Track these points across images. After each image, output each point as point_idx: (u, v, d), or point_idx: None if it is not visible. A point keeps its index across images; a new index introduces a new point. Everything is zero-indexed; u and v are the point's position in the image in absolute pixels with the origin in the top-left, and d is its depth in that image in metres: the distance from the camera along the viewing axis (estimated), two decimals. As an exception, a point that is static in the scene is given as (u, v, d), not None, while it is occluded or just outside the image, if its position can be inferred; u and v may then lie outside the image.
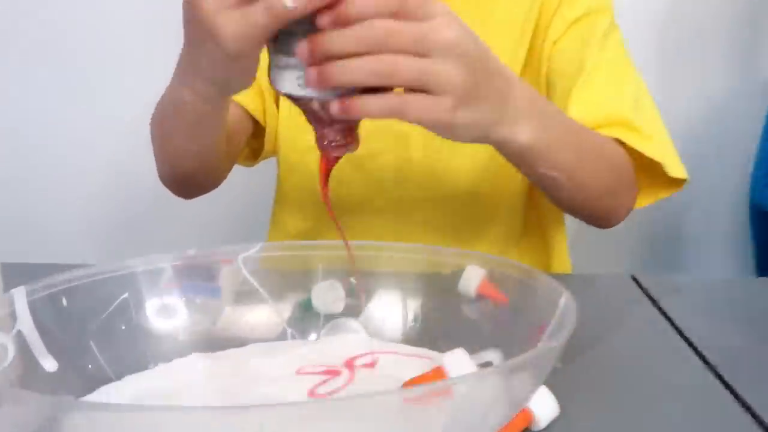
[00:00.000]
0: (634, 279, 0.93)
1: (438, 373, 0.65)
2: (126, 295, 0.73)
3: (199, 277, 0.83)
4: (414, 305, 0.78)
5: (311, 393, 0.65)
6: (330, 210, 0.62)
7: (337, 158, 0.58)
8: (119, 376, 0.68)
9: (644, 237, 1.77)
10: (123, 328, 0.72)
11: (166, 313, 0.77)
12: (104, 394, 0.65)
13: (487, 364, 0.69)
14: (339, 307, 0.81)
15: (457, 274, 0.77)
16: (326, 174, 0.62)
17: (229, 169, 1.01)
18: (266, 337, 0.78)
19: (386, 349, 0.74)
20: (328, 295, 0.82)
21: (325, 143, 0.56)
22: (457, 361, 0.66)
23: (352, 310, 0.79)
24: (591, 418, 0.64)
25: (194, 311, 0.79)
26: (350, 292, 0.80)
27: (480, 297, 0.77)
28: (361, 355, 0.72)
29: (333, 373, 0.69)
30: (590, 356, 0.75)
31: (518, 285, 0.72)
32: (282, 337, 0.78)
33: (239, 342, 0.77)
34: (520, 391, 0.54)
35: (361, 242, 0.81)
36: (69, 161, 1.75)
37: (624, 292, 0.90)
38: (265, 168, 1.16)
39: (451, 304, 0.76)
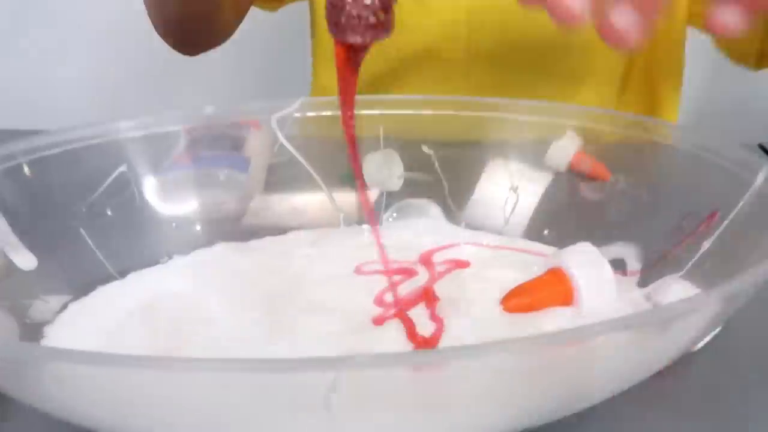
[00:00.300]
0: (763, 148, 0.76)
1: (557, 277, 0.47)
2: (124, 168, 0.54)
3: (220, 145, 0.64)
4: (509, 181, 0.58)
5: (379, 301, 0.47)
6: (351, 141, 0.44)
7: (363, 47, 0.38)
8: (123, 273, 0.51)
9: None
10: (123, 211, 0.53)
11: (180, 192, 0.59)
12: (101, 297, 0.48)
13: (618, 263, 0.50)
14: (395, 184, 0.61)
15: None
16: (348, 75, 0.40)
17: (242, 15, 0.78)
18: (311, 224, 0.59)
19: (475, 240, 0.55)
20: (381, 170, 0.62)
21: (346, 20, 0.35)
22: (583, 261, 0.47)
23: (425, 189, 0.59)
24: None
25: (216, 189, 0.61)
26: (417, 166, 0.60)
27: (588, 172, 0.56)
28: (443, 248, 0.54)
29: (405, 272, 0.51)
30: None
31: (659, 154, 0.52)
32: (332, 223, 0.59)
33: (276, 229, 0.58)
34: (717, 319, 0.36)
35: (431, 97, 0.62)
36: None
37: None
38: (294, 11, 0.93)
39: (560, 182, 0.56)
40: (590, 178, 0.58)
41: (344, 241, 0.56)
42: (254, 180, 0.64)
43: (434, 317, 0.44)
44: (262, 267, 0.51)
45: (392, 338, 0.42)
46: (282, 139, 0.59)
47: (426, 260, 0.53)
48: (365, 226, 0.58)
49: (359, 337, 0.42)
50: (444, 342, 0.42)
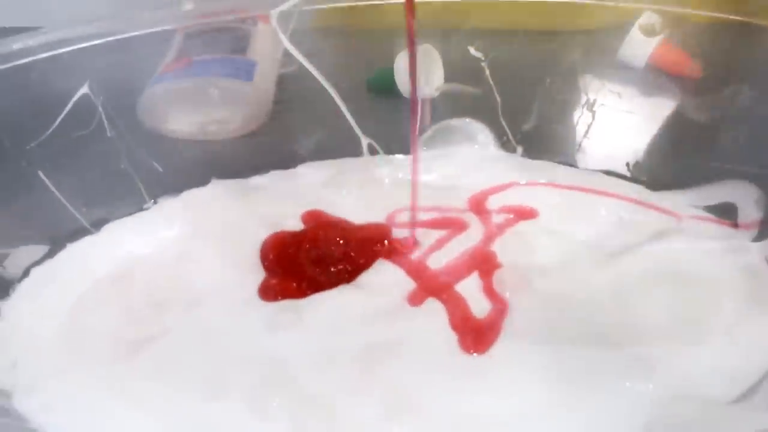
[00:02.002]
0: None
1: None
2: (85, 89, 0.42)
3: (218, 47, 0.52)
4: (582, 93, 0.44)
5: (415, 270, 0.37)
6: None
7: None
8: (97, 225, 0.41)
9: None
10: (90, 146, 0.42)
11: (165, 113, 0.47)
12: (68, 259, 0.39)
13: (727, 210, 0.38)
14: (432, 91, 0.48)
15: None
16: None
17: None
18: (327, 153, 0.48)
19: (541, 178, 0.42)
20: (420, 69, 0.49)
21: None
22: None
23: (470, 106, 0.46)
24: None
25: (213, 106, 0.49)
26: (462, 74, 0.47)
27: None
28: (498, 189, 0.42)
29: (452, 224, 0.39)
30: None
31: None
32: (353, 151, 0.47)
33: (285, 159, 0.47)
34: None
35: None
36: None
37: None
38: None
39: (648, 91, 0.43)
40: (674, 74, 0.44)
41: (367, 178, 0.44)
42: (261, 91, 0.52)
43: (491, 294, 0.34)
44: (264, 218, 0.40)
45: (432, 324, 0.32)
46: (285, 42, 0.46)
47: (478, 207, 0.41)
48: (398, 156, 0.46)
49: (389, 321, 0.32)
50: (505, 332, 0.31)
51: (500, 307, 0.33)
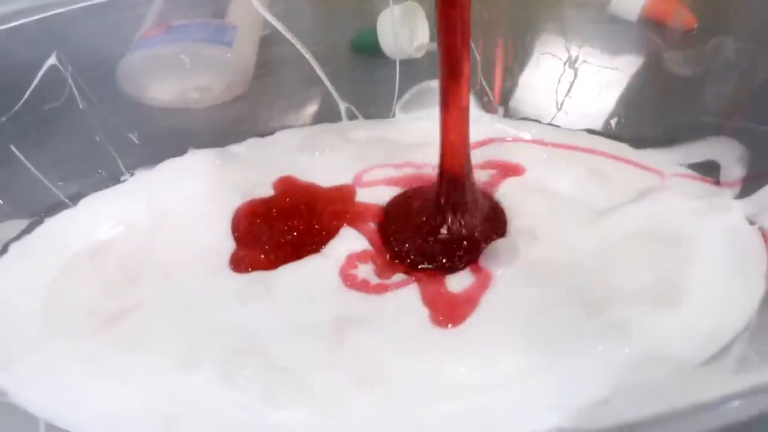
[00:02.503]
0: None
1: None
2: (53, 60, 0.41)
3: (197, 11, 0.50)
4: (564, 50, 0.43)
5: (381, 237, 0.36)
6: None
7: None
8: (74, 199, 0.41)
9: None
10: (63, 118, 0.42)
11: (140, 82, 0.47)
12: (45, 234, 0.39)
13: (709, 168, 0.37)
14: (418, 51, 0.47)
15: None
16: None
17: None
18: (307, 118, 0.47)
19: (522, 134, 0.41)
20: (402, 30, 0.47)
21: None
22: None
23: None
24: None
25: (191, 73, 0.48)
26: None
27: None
28: (479, 144, 0.41)
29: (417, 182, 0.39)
30: None
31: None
32: (331, 116, 0.46)
33: (265, 125, 0.46)
34: None
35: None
36: None
37: None
38: None
39: (632, 45, 0.41)
40: (668, 24, 0.42)
41: (341, 140, 0.43)
42: (242, 56, 0.51)
43: (474, 265, 0.33)
44: (237, 186, 0.39)
45: (403, 298, 0.32)
46: (258, 5, 0.45)
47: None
48: (371, 121, 0.45)
49: (359, 293, 0.32)
50: (485, 303, 0.31)
51: (483, 281, 0.33)
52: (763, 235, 0.34)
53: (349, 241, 0.35)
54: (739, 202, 0.37)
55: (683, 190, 0.38)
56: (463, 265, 0.34)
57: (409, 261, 0.34)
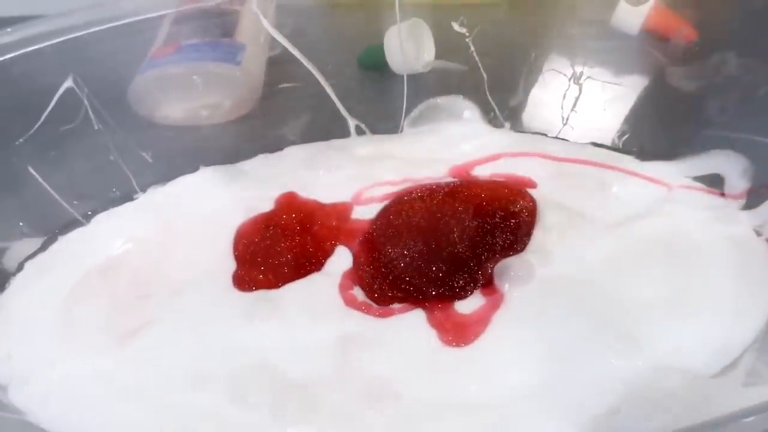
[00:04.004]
0: None
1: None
2: (70, 82, 0.42)
3: (206, 31, 0.51)
4: (569, 65, 0.43)
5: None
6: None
7: None
8: (89, 217, 0.42)
9: None
10: (78, 139, 0.43)
11: (152, 102, 0.47)
12: (58, 252, 0.39)
13: (713, 181, 0.38)
14: (426, 63, 0.48)
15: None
16: None
17: None
18: (314, 135, 0.47)
19: (533, 150, 0.42)
20: (408, 46, 0.48)
21: None
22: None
23: (456, 83, 0.45)
24: None
25: (200, 91, 0.49)
26: (447, 51, 0.46)
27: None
28: (483, 161, 0.41)
29: (422, 190, 0.39)
30: None
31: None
32: (340, 132, 0.47)
33: (275, 142, 0.47)
34: None
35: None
36: None
37: None
38: None
39: (635, 60, 0.42)
40: (670, 38, 0.42)
41: (346, 157, 0.44)
42: (251, 74, 0.52)
43: (488, 283, 0.33)
44: (242, 203, 0.40)
45: (409, 323, 0.32)
46: (267, 26, 0.46)
47: (464, 175, 0.40)
48: (379, 136, 0.46)
49: (362, 317, 0.32)
50: (495, 326, 0.31)
51: (495, 301, 0.33)
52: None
53: (344, 260, 0.35)
54: (745, 213, 0.37)
55: (690, 201, 0.38)
56: (473, 290, 0.34)
57: (409, 290, 0.34)
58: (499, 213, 0.37)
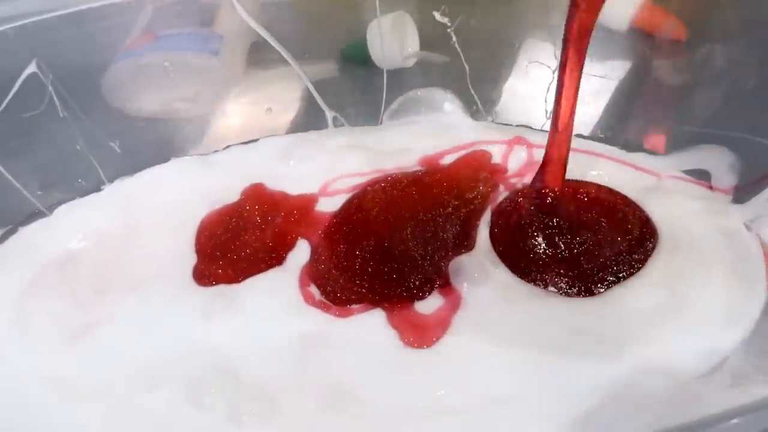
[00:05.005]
0: None
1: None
2: (33, 68, 0.40)
3: (185, 21, 0.49)
4: (553, 57, 0.42)
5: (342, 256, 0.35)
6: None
7: None
8: (53, 209, 0.40)
9: None
10: (43, 127, 0.41)
11: (129, 89, 0.46)
12: (17, 244, 0.37)
13: (700, 176, 0.36)
14: (409, 56, 0.46)
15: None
16: None
17: None
18: (292, 127, 0.46)
19: (512, 136, 0.40)
20: (392, 37, 0.46)
21: None
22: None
23: (438, 76, 0.44)
24: None
25: (179, 84, 0.47)
26: (429, 42, 0.45)
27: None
28: (454, 150, 0.40)
29: (386, 181, 0.37)
30: None
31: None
32: (319, 124, 0.45)
33: (248, 135, 0.45)
34: None
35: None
36: None
37: None
38: None
39: (621, 52, 0.40)
40: (659, 36, 0.41)
41: (319, 148, 0.42)
42: (229, 65, 0.50)
43: (445, 283, 0.32)
44: (208, 195, 0.38)
45: (369, 322, 0.30)
46: (243, 13, 0.44)
47: (432, 165, 0.38)
48: (356, 128, 0.44)
49: (321, 316, 0.30)
50: (457, 330, 0.29)
51: (454, 303, 0.31)
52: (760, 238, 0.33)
53: (303, 254, 0.33)
54: (738, 208, 0.35)
55: (682, 190, 0.37)
56: (431, 290, 0.32)
57: (366, 289, 0.32)
58: (453, 203, 0.35)
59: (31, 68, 0.40)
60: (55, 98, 0.41)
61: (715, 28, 0.38)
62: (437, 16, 0.43)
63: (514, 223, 0.34)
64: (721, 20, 0.38)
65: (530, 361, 0.28)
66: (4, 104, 0.39)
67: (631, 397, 0.27)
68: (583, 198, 0.36)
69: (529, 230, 0.34)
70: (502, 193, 0.37)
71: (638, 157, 0.39)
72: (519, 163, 0.39)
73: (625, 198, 0.36)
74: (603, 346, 0.29)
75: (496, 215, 0.35)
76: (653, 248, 0.33)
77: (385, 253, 0.33)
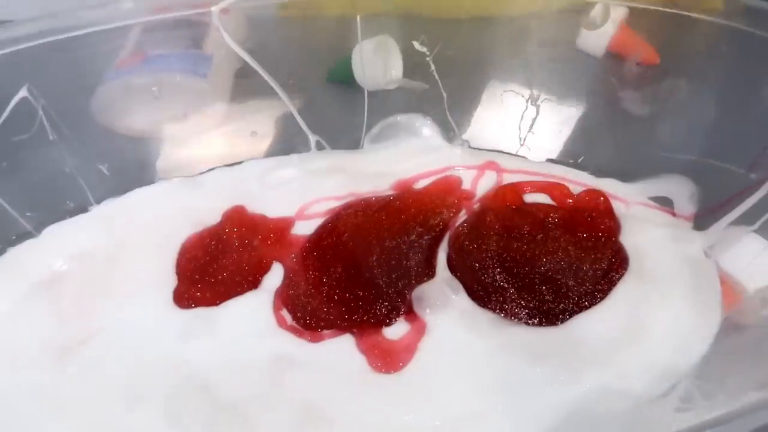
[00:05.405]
0: None
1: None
2: (24, 92, 0.41)
3: (170, 41, 0.51)
4: (527, 87, 0.44)
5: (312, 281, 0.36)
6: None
7: None
8: (39, 227, 0.41)
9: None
10: (33, 150, 0.42)
11: (118, 109, 0.47)
12: (5, 266, 0.39)
13: (663, 203, 0.38)
14: (392, 80, 0.48)
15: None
16: None
17: None
18: (276, 150, 0.47)
19: (484, 161, 0.42)
20: (375, 62, 0.48)
21: None
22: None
23: (417, 102, 0.46)
24: None
25: (167, 104, 0.49)
26: (409, 69, 0.46)
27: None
28: (426, 174, 0.41)
29: (358, 205, 0.39)
30: None
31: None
32: (301, 148, 0.47)
33: (234, 157, 0.47)
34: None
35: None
36: None
37: None
38: None
39: (592, 79, 0.42)
40: (631, 60, 0.43)
41: (301, 172, 0.43)
42: (217, 86, 0.51)
43: (409, 309, 0.33)
44: (191, 216, 0.40)
45: (339, 347, 0.32)
46: (227, 38, 0.46)
47: (405, 189, 0.40)
48: (337, 152, 0.46)
49: (293, 339, 0.32)
50: (422, 356, 0.31)
51: (419, 328, 0.32)
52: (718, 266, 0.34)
53: (278, 277, 0.35)
54: (699, 235, 0.37)
55: (648, 217, 0.38)
56: (397, 317, 0.33)
57: (333, 316, 0.33)
58: (417, 229, 0.37)
59: (23, 93, 0.41)
60: (45, 122, 0.42)
61: (682, 59, 0.40)
62: (416, 45, 0.44)
63: (468, 250, 0.36)
64: (689, 53, 0.40)
65: (493, 384, 0.30)
66: (-5, 126, 0.41)
67: (590, 417, 0.29)
68: (548, 219, 0.37)
69: (485, 258, 0.35)
70: (461, 218, 0.38)
71: (607, 183, 0.41)
72: (487, 188, 0.40)
73: (610, 218, 0.37)
74: (563, 369, 0.31)
75: (452, 241, 0.36)
76: (619, 278, 0.35)
77: (353, 280, 0.34)
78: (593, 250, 0.36)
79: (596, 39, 0.43)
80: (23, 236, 0.41)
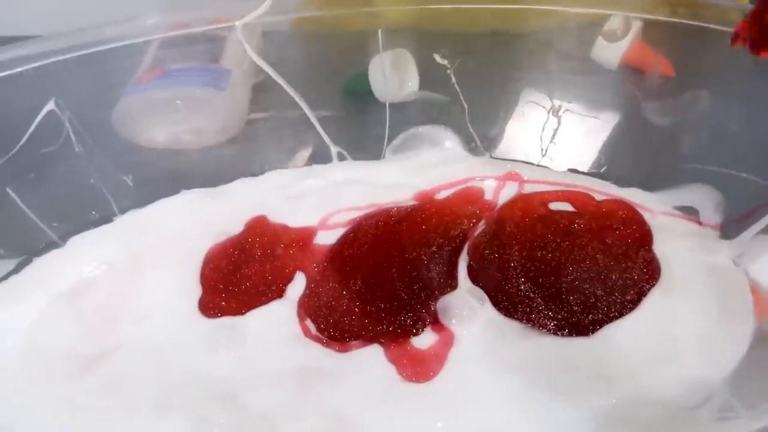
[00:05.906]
0: None
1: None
2: (51, 105, 0.42)
3: (189, 55, 0.51)
4: (548, 99, 0.44)
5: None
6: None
7: None
8: (65, 237, 0.41)
9: None
10: (59, 161, 0.43)
11: (135, 125, 0.47)
12: (30, 275, 0.39)
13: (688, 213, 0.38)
14: (410, 92, 0.48)
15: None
16: None
17: None
18: (297, 161, 0.47)
19: (506, 172, 0.42)
20: (391, 77, 0.48)
21: None
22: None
23: (438, 114, 0.46)
24: None
25: (185, 116, 0.49)
26: (430, 82, 0.47)
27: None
28: (449, 185, 0.41)
29: (379, 216, 0.39)
30: None
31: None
32: (323, 159, 0.47)
33: (255, 168, 0.47)
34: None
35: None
36: None
37: None
38: None
39: (611, 92, 0.42)
40: (647, 72, 0.43)
41: (322, 182, 0.44)
42: (236, 99, 0.52)
43: (435, 320, 0.33)
44: (214, 227, 0.40)
45: (367, 357, 0.31)
46: (252, 54, 0.46)
47: (426, 200, 0.40)
48: (359, 162, 0.46)
49: (319, 349, 0.32)
50: (452, 365, 0.30)
51: (447, 339, 0.32)
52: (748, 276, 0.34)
53: (301, 287, 0.35)
54: (726, 244, 0.37)
55: (674, 227, 0.38)
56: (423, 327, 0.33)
57: (357, 328, 0.33)
58: (438, 240, 0.36)
59: (50, 106, 0.42)
60: (71, 134, 0.43)
61: (701, 69, 0.40)
62: (437, 58, 0.45)
63: (489, 259, 0.35)
64: (706, 63, 0.40)
65: (523, 394, 0.29)
66: (23, 141, 0.41)
67: (621, 427, 0.28)
68: (573, 226, 0.37)
69: (507, 267, 0.35)
70: (481, 227, 0.38)
71: (632, 193, 0.41)
72: (508, 198, 0.40)
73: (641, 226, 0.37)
74: (595, 379, 0.30)
75: (472, 250, 0.36)
76: (650, 289, 0.34)
77: (373, 292, 0.34)
78: (624, 258, 0.35)
79: (610, 51, 0.43)
80: (49, 246, 0.41)
